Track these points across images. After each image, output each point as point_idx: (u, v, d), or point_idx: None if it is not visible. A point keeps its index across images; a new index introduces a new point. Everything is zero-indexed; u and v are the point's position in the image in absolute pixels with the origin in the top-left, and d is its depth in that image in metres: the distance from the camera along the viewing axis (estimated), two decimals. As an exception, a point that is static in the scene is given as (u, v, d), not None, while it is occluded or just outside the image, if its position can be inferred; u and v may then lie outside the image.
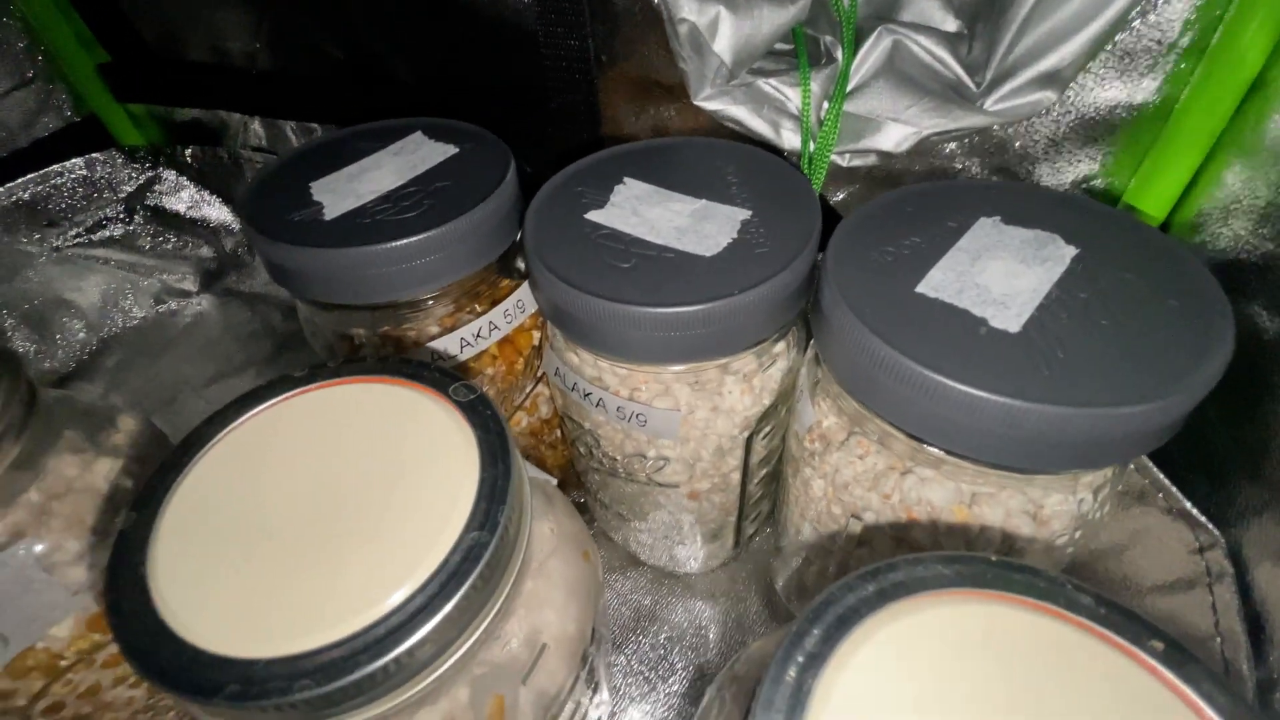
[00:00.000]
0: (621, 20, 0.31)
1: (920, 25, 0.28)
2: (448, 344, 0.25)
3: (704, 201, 0.23)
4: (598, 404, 0.23)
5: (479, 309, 0.26)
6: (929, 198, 0.22)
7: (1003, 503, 0.19)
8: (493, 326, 0.26)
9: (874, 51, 0.28)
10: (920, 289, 0.19)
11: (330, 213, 0.23)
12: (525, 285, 0.27)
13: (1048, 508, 0.19)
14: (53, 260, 0.44)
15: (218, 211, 0.48)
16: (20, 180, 0.41)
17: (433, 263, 0.22)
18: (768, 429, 0.24)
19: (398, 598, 0.13)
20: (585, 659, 0.18)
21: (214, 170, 0.46)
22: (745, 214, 0.22)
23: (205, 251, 0.49)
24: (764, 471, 0.28)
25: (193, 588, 0.13)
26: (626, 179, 0.24)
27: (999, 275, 0.19)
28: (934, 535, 0.20)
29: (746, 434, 0.24)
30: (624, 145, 0.26)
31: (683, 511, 0.27)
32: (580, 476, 0.34)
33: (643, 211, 0.23)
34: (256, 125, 0.43)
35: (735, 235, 0.21)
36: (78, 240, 0.45)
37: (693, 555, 0.31)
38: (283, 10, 0.38)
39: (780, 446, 0.27)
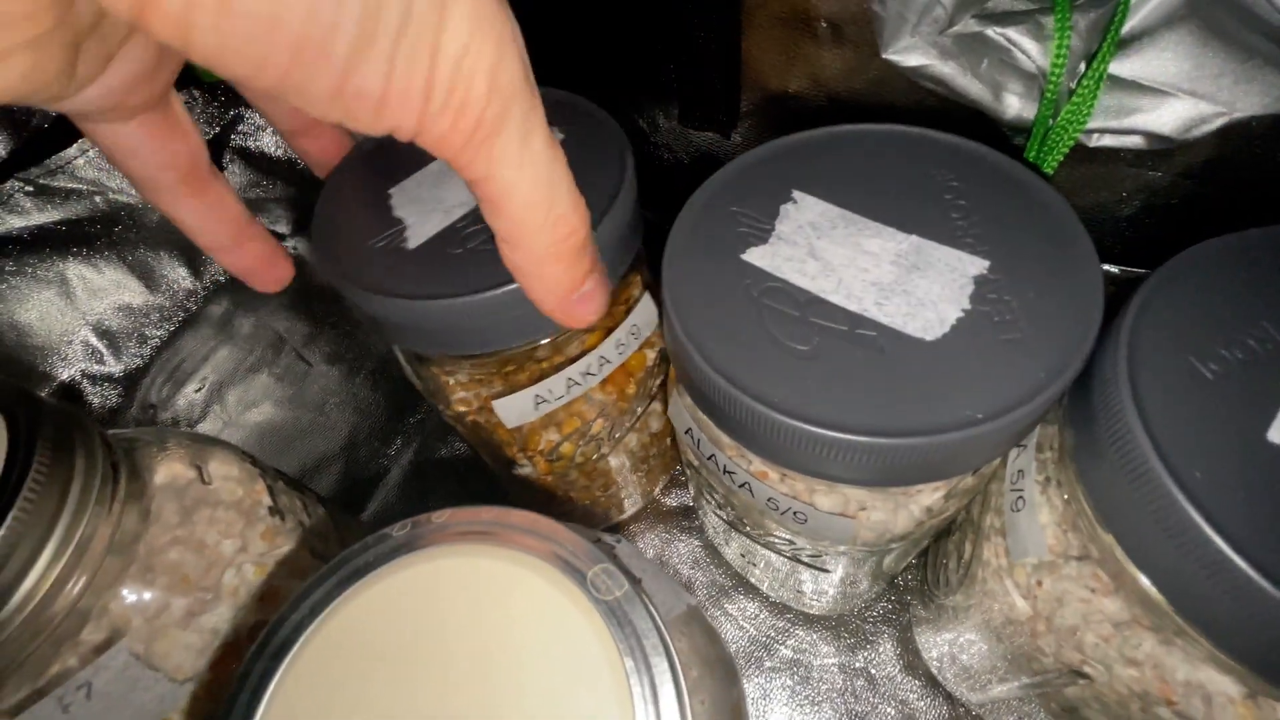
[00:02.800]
0: (785, -66, 0.23)
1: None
2: (552, 387, 0.21)
3: (914, 238, 0.16)
4: (742, 486, 0.19)
5: (587, 341, 0.21)
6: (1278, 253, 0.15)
7: None
8: (603, 361, 0.21)
9: (1170, -19, 0.19)
10: (1276, 436, 0.12)
11: (414, 238, 0.18)
12: (641, 307, 0.22)
13: None
14: (149, 209, 0.43)
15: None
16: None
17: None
18: (957, 530, 0.19)
19: None
20: None
21: (296, 108, 0.42)
22: (979, 265, 0.16)
23: (296, 193, 0.47)
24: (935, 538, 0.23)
25: None
26: (797, 194, 0.18)
27: None
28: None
29: (931, 524, 0.19)
30: (791, 137, 0.19)
31: (827, 578, 0.23)
32: (693, 497, 0.31)
33: (823, 251, 0.17)
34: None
35: (967, 305, 0.15)
36: (170, 187, 0.43)
37: (824, 603, 0.28)
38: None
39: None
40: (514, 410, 0.20)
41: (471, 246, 0.17)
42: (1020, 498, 0.17)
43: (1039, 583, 0.17)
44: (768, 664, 0.29)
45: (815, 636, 0.29)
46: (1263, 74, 0.18)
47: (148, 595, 0.19)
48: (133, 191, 0.42)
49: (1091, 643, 0.16)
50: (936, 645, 0.26)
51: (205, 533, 0.20)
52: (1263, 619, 0.12)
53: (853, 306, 0.15)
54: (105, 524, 0.17)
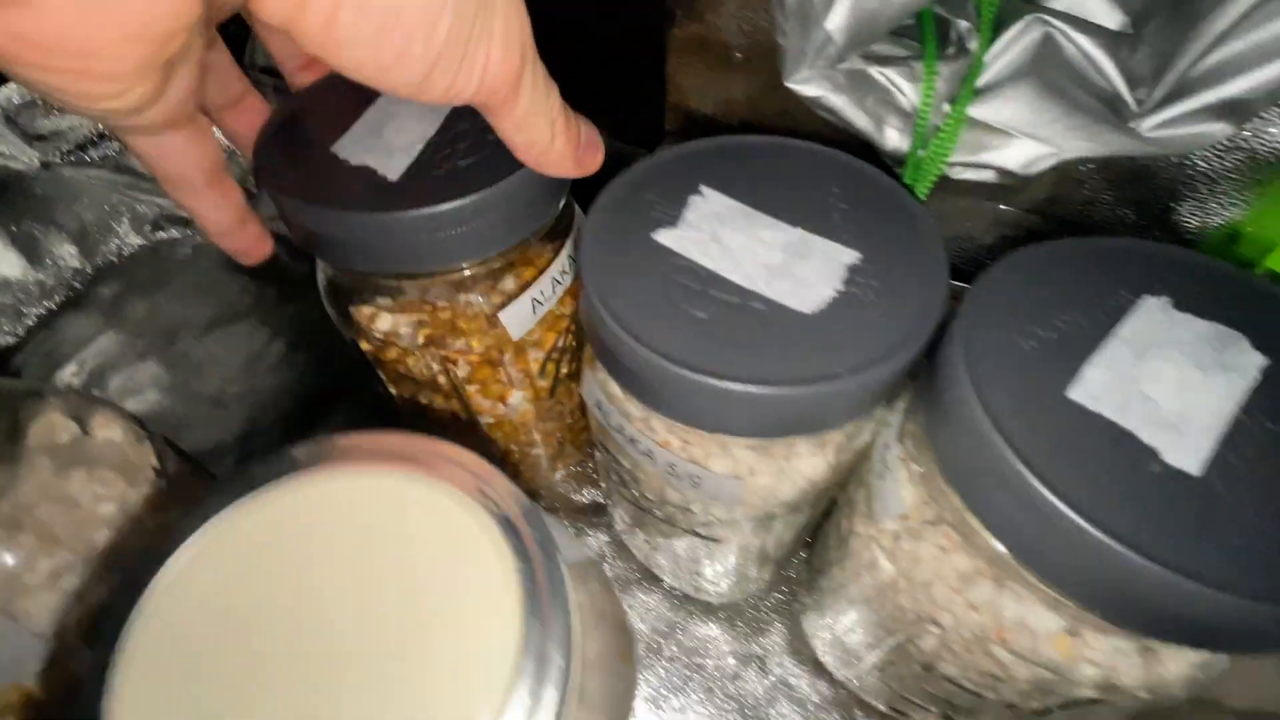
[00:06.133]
0: (707, -29, 0.25)
1: (1077, 18, 0.23)
2: (543, 288, 0.23)
3: (800, 232, 0.19)
4: (645, 453, 0.20)
5: (524, 273, 0.23)
6: (1078, 258, 0.18)
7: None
8: (554, 282, 0.23)
9: (1017, 45, 0.23)
10: (1073, 395, 0.15)
11: (392, 173, 0.19)
12: (566, 252, 0.23)
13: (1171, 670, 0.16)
14: (44, 178, 0.40)
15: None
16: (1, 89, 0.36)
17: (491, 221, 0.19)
18: (836, 510, 0.21)
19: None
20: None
21: (219, 90, 0.41)
22: (852, 256, 0.18)
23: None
24: (819, 520, 0.25)
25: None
26: (704, 189, 0.20)
27: (1170, 386, 0.15)
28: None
29: (812, 495, 0.21)
30: (701, 141, 0.21)
31: (722, 557, 0.25)
32: (604, 491, 0.32)
33: (724, 238, 0.19)
34: (267, 44, 0.38)
35: (840, 286, 0.17)
36: (70, 159, 0.40)
37: (720, 590, 0.29)
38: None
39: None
40: (516, 319, 0.22)
41: (447, 168, 0.19)
42: (885, 467, 0.19)
43: (899, 542, 0.19)
44: (666, 653, 0.30)
45: (714, 628, 0.30)
46: (1086, 123, 0.22)
47: (11, 555, 0.18)
48: (24, 159, 0.40)
49: (942, 594, 0.18)
50: (820, 629, 0.28)
51: (80, 491, 0.19)
52: (1079, 554, 0.14)
53: (746, 284, 0.17)
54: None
